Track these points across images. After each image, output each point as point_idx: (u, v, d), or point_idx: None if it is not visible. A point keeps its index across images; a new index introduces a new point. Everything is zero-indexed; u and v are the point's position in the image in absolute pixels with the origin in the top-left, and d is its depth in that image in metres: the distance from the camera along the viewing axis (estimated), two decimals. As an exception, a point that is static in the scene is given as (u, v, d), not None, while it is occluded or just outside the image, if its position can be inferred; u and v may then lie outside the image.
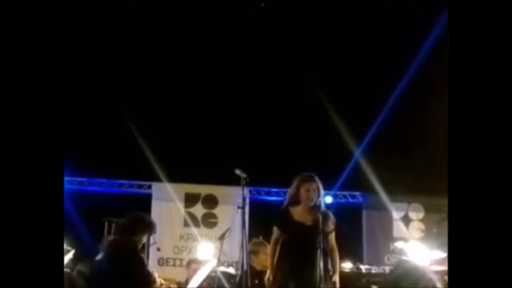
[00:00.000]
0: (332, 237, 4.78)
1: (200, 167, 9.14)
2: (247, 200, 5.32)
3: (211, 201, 9.78)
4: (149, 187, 9.74)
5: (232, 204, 8.81)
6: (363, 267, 7.09)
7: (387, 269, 7.54)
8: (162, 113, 9.42)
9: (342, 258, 5.55)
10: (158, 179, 9.40)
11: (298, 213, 4.76)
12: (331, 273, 4.66)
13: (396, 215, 9.90)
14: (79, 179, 9.59)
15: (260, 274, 5.30)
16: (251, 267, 5.47)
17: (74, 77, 7.06)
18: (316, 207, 4.68)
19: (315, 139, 9.38)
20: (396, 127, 9.09)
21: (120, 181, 9.84)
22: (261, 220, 7.20)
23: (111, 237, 6.19)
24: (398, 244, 7.72)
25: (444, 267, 5.44)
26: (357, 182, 9.65)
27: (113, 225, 7.61)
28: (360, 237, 9.82)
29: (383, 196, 9.33)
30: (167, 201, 9.59)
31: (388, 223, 9.94)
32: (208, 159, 9.12)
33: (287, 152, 9.21)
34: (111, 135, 9.06)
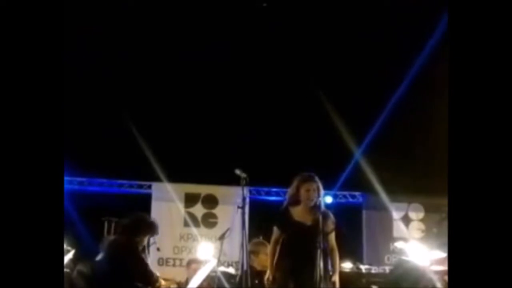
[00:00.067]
0: (332, 237, 4.78)
1: (200, 167, 9.14)
2: (247, 200, 5.33)
3: (211, 201, 9.77)
4: (149, 187, 9.73)
5: (232, 204, 8.81)
6: (363, 267, 7.08)
7: (387, 269, 7.53)
8: (162, 113, 9.42)
9: (342, 258, 5.55)
10: (158, 179, 9.39)
11: (298, 213, 4.76)
12: (331, 273, 4.67)
13: (396, 215, 9.90)
14: (79, 179, 9.59)
15: (260, 274, 5.30)
16: (251, 267, 5.47)
17: (74, 77, 7.06)
18: (316, 207, 4.68)
19: (315, 139, 9.37)
20: (396, 127, 9.09)
21: (120, 181, 9.84)
22: (261, 220, 7.20)
23: (111, 237, 6.19)
24: (398, 244, 7.72)
25: (444, 267, 5.44)
26: (357, 182, 9.65)
27: (113, 225, 7.60)
28: (360, 237, 9.81)
29: (383, 196, 9.32)
30: (167, 201, 9.58)
31: (388, 223, 9.94)
32: (208, 159, 9.12)
33: (287, 152, 9.21)
34: (111, 135, 9.05)
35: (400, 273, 5.98)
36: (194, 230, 9.56)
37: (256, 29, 8.57)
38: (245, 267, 5.03)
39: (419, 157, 8.81)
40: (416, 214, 9.99)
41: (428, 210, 9.88)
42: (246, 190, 5.20)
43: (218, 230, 8.83)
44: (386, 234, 9.87)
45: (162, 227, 5.01)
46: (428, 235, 9.06)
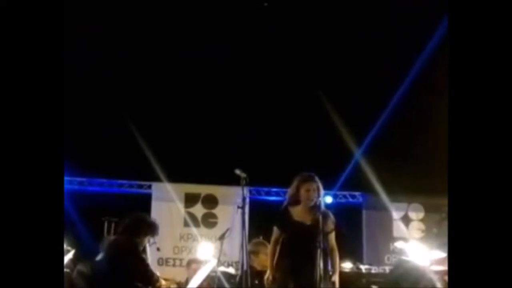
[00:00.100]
0: (332, 237, 4.78)
1: (200, 167, 9.14)
2: (247, 200, 5.33)
3: (211, 201, 9.77)
4: (149, 187, 9.73)
5: (232, 204, 8.81)
6: (363, 267, 7.09)
7: (387, 269, 7.53)
8: (162, 113, 9.42)
9: (342, 258, 5.55)
10: (158, 179, 9.39)
11: (298, 213, 4.76)
12: (330, 273, 4.66)
13: (396, 215, 9.90)
14: (79, 179, 9.59)
15: (260, 274, 5.30)
16: (251, 267, 5.47)
17: (74, 77, 7.06)
18: (316, 207, 4.68)
19: (315, 139, 9.37)
20: (396, 127, 9.09)
21: (120, 181, 9.84)
22: (261, 220, 7.20)
23: (112, 237, 6.19)
24: (398, 244, 7.72)
25: (444, 267, 5.44)
26: (357, 182, 9.65)
27: (113, 225, 7.60)
28: (360, 237, 9.81)
29: (383, 196, 9.33)
30: (167, 201, 9.58)
31: (388, 223, 9.93)
32: (208, 159, 9.12)
33: (287, 152, 9.21)
34: (111, 135, 9.05)
35: (400, 273, 5.97)
36: (194, 230, 9.56)
37: (256, 29, 8.57)
38: (245, 267, 5.03)
39: (419, 157, 8.80)
40: (416, 214, 9.99)
41: (428, 210, 9.88)
42: (246, 190, 5.20)
43: (218, 230, 8.82)
44: (386, 234, 9.87)
45: (162, 227, 5.02)
46: (428, 235, 9.06)
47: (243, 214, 5.11)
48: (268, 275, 4.77)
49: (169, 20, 8.55)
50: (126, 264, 4.62)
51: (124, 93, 9.16)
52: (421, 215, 9.99)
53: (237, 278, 5.88)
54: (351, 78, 9.08)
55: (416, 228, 9.92)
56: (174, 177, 9.42)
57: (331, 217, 4.81)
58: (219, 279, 6.03)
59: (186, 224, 9.62)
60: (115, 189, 9.84)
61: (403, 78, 8.97)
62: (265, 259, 5.15)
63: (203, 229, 9.62)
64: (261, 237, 6.11)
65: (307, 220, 4.69)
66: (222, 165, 6.22)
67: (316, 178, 4.80)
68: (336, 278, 4.68)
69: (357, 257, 8.24)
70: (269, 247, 4.90)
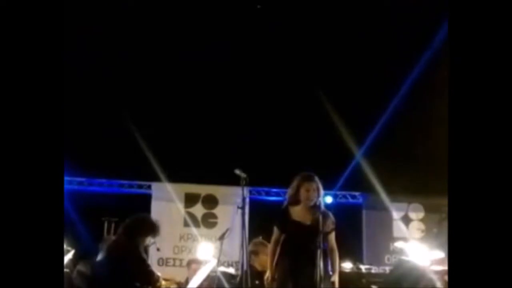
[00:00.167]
0: (332, 237, 4.78)
1: (200, 167, 9.14)
2: (247, 200, 5.33)
3: (211, 201, 9.77)
4: (149, 187, 9.73)
5: (232, 204, 8.82)
6: (363, 267, 7.09)
7: (387, 269, 7.54)
8: (162, 113, 9.42)
9: (342, 258, 5.55)
10: (158, 179, 9.39)
11: (298, 213, 4.76)
12: (330, 273, 4.66)
13: (396, 215, 9.90)
14: (79, 179, 9.59)
15: (260, 274, 5.30)
16: (252, 267, 5.47)
17: (74, 77, 7.06)
18: (316, 207, 4.68)
19: (315, 139, 9.37)
20: (396, 127, 9.10)
21: (120, 181, 9.84)
22: (261, 220, 7.20)
23: (112, 237, 6.19)
24: (398, 244, 7.73)
25: (444, 267, 5.44)
26: (357, 182, 9.66)
27: (113, 225, 7.60)
28: (360, 237, 9.81)
29: (383, 196, 9.33)
30: (167, 201, 9.58)
31: (388, 223, 9.94)
32: (208, 159, 9.12)
33: (287, 152, 9.21)
34: (111, 135, 9.05)
35: (400, 273, 5.97)
36: (194, 230, 9.56)
37: (256, 29, 8.57)
38: (245, 267, 5.03)
39: (419, 157, 8.81)
40: (416, 214, 10.00)
41: (428, 210, 9.88)
42: (246, 190, 5.20)
43: (218, 230, 8.82)
44: (386, 234, 9.87)
45: (162, 227, 5.00)
46: (428, 235, 9.06)
47: (243, 214, 5.10)
48: (268, 275, 4.77)
49: (169, 20, 8.55)
50: (127, 264, 4.61)
51: (124, 93, 9.16)
52: (421, 215, 9.99)
53: (238, 279, 5.88)
54: (351, 78, 9.08)
55: (416, 228, 9.92)
56: (174, 177, 9.42)
57: (331, 217, 4.80)
58: (219, 279, 6.03)
59: (186, 224, 9.62)
60: (115, 189, 9.84)
61: (403, 78, 8.98)
62: (266, 259, 5.14)
63: (203, 229, 9.62)
64: (260, 237, 6.10)
65: (307, 220, 4.69)
66: (222, 165, 6.22)
67: (316, 178, 4.80)
68: (336, 278, 4.68)
69: (357, 257, 8.24)
70: (269, 247, 4.89)
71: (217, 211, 9.72)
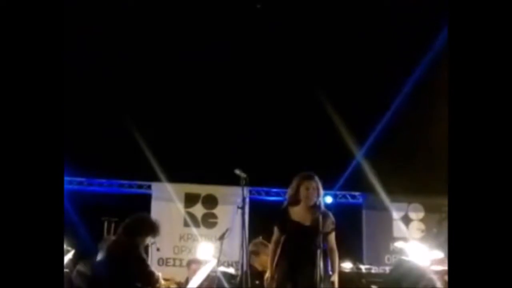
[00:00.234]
0: (332, 237, 4.78)
1: (200, 167, 9.14)
2: (247, 200, 5.33)
3: (211, 201, 9.77)
4: (149, 187, 9.73)
5: (232, 204, 8.82)
6: (363, 267, 7.09)
7: (387, 269, 7.53)
8: (162, 113, 9.42)
9: (342, 258, 5.56)
10: (158, 179, 9.39)
11: (298, 213, 4.76)
12: (330, 273, 4.66)
13: (396, 215, 9.90)
14: (79, 179, 9.59)
15: (261, 274, 5.29)
16: (252, 267, 5.48)
17: (74, 77, 7.05)
18: (316, 207, 4.68)
19: (315, 139, 9.37)
20: (396, 127, 9.09)
21: (120, 181, 9.84)
22: (261, 220, 7.20)
23: (112, 237, 6.19)
24: (398, 244, 7.73)
25: (444, 267, 5.44)
26: (357, 182, 9.66)
27: (113, 225, 7.60)
28: (360, 237, 9.81)
29: (383, 196, 9.33)
30: (167, 201, 9.58)
31: (388, 223, 9.94)
32: (208, 159, 9.12)
33: (287, 152, 9.21)
34: (111, 135, 9.05)
35: (400, 273, 5.97)
36: (194, 230, 9.56)
37: (256, 29, 8.57)
38: (245, 267, 5.03)
39: (419, 157, 8.81)
40: (416, 214, 10.00)
41: (428, 210, 9.89)
42: (246, 190, 5.20)
43: (218, 230, 8.82)
44: (386, 234, 9.87)
45: (162, 227, 5.00)
46: (428, 235, 9.06)
47: (243, 214, 5.11)
48: (268, 275, 4.77)
49: (169, 20, 8.55)
50: (127, 264, 4.61)
51: (124, 93, 9.16)
52: (421, 215, 10.00)
53: (238, 279, 5.88)
54: (351, 78, 9.08)
55: (416, 228, 9.92)
56: (174, 177, 9.42)
57: (331, 217, 4.80)
58: (219, 279, 6.03)
59: (186, 224, 9.62)
60: (115, 189, 9.84)
61: (403, 78, 8.98)
62: (266, 259, 5.14)
63: (203, 229, 9.62)
64: (261, 237, 6.10)
65: (307, 220, 4.69)
66: (222, 165, 6.22)
67: (316, 178, 4.80)
68: (335, 278, 4.68)
69: (357, 257, 8.24)
70: (270, 247, 4.90)
71: (217, 211, 9.72)
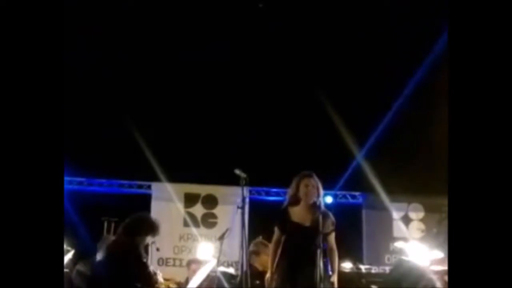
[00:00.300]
0: (332, 237, 4.78)
1: (200, 167, 9.14)
2: (247, 200, 5.33)
3: (211, 201, 9.77)
4: (149, 187, 9.73)
5: (232, 204, 8.81)
6: (363, 267, 7.09)
7: (387, 269, 7.54)
8: (162, 113, 9.42)
9: (342, 258, 5.56)
10: (158, 179, 9.39)
11: (298, 213, 4.76)
12: (330, 273, 4.66)
13: (396, 215, 9.90)
14: (79, 179, 9.59)
15: (262, 274, 5.30)
16: (253, 267, 5.48)
17: (74, 77, 7.05)
18: (316, 207, 4.68)
19: (315, 139, 9.37)
20: (396, 127, 9.09)
21: (120, 181, 9.84)
22: (261, 220, 7.19)
23: (112, 237, 6.19)
24: (398, 244, 7.73)
25: (444, 267, 5.44)
26: (357, 182, 9.65)
27: (113, 225, 7.60)
28: (360, 237, 9.81)
29: (383, 196, 9.33)
30: (167, 201, 9.58)
31: (388, 223, 9.94)
32: (208, 159, 9.12)
33: (287, 152, 9.21)
34: (111, 135, 9.05)
35: (400, 273, 5.97)
36: (194, 230, 9.56)
37: (256, 29, 8.57)
38: (244, 268, 5.02)
39: (419, 157, 8.81)
40: (416, 214, 10.00)
41: (428, 210, 9.89)
42: (246, 190, 5.20)
43: (218, 230, 8.82)
44: (386, 234, 9.87)
45: (162, 227, 5.00)
46: (428, 235, 9.06)
47: (242, 214, 5.10)
48: (269, 275, 4.77)
49: (169, 20, 8.55)
50: (126, 264, 4.61)
51: (124, 93, 9.16)
52: (421, 215, 10.00)
53: (238, 279, 5.88)
54: (351, 78, 9.08)
55: (416, 228, 9.92)
56: (174, 177, 9.42)
57: (331, 217, 4.80)
58: (219, 279, 6.03)
59: (186, 224, 9.62)
60: (115, 189, 9.84)
61: (403, 78, 8.97)
62: (267, 260, 5.14)
63: (203, 229, 9.61)
64: (260, 237, 6.11)
65: (307, 220, 4.69)
66: (222, 165, 6.22)
67: (315, 177, 4.81)
68: (335, 278, 4.68)
69: (357, 257, 8.24)
70: (270, 247, 4.90)
71: (217, 211, 9.72)
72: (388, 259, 9.55)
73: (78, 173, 9.31)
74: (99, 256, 5.54)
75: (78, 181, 9.61)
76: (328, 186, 8.50)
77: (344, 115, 8.98)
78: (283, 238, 4.75)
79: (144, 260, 4.75)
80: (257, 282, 5.32)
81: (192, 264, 6.76)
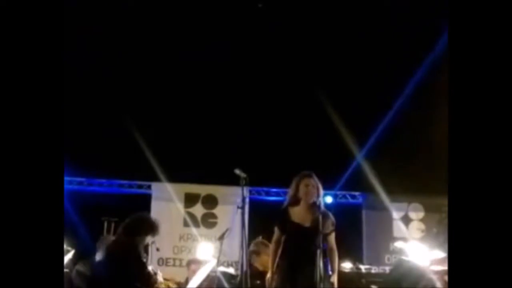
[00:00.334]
0: (332, 237, 4.78)
1: (200, 167, 9.14)
2: (247, 200, 5.33)
3: (211, 201, 9.77)
4: (149, 187, 9.74)
5: (232, 204, 8.81)
6: (363, 267, 7.08)
7: (387, 269, 7.53)
8: (162, 113, 9.42)
9: (342, 258, 5.56)
10: (158, 179, 9.39)
11: (298, 213, 4.76)
12: (330, 273, 4.66)
13: (396, 215, 9.90)
14: (79, 179, 9.59)
15: (262, 274, 5.29)
16: (253, 267, 5.48)
17: (74, 77, 7.05)
18: (316, 207, 4.68)
19: (315, 139, 9.37)
20: (396, 127, 9.09)
21: (120, 181, 9.84)
22: (261, 220, 7.20)
23: (111, 237, 6.19)
24: (398, 244, 7.73)
25: (444, 267, 5.44)
26: (357, 182, 9.65)
27: (113, 225, 7.60)
28: (360, 237, 9.81)
29: (383, 196, 9.33)
30: (167, 201, 9.58)
31: (388, 223, 9.94)
32: (208, 159, 9.12)
33: (287, 152, 9.21)
34: (111, 135, 9.05)
35: (400, 273, 5.97)
36: (194, 230, 9.56)
37: (256, 29, 8.57)
38: (244, 267, 5.02)
39: (419, 157, 8.81)
40: (416, 214, 10.00)
41: (428, 210, 9.88)
42: (246, 190, 5.20)
43: (218, 230, 8.82)
44: (386, 234, 9.87)
45: (162, 227, 5.00)
46: (428, 235, 9.06)
47: (242, 214, 5.10)
48: (269, 275, 4.78)
49: (169, 20, 8.55)
50: (126, 264, 4.61)
51: (124, 93, 9.16)
52: (421, 215, 9.99)
53: (238, 279, 5.87)
54: (351, 78, 9.08)
55: (416, 228, 9.92)
56: (174, 177, 9.42)
57: (331, 217, 4.80)
58: (219, 279, 6.03)
59: (186, 224, 9.62)
60: (115, 189, 9.84)
61: (404, 78, 8.97)
62: (267, 260, 5.14)
63: (203, 229, 9.62)
64: (260, 237, 6.10)
65: (307, 220, 4.69)
66: (222, 165, 6.22)
67: (315, 177, 4.81)
68: (335, 279, 4.68)
69: (357, 257, 8.24)
70: (271, 247, 4.90)
71: (217, 211, 9.72)
72: (388, 259, 9.54)
73: (78, 173, 9.31)
74: (99, 256, 5.55)
75: (78, 181, 9.61)
76: (328, 186, 8.50)
77: (344, 115, 8.98)
78: (283, 238, 4.75)
79: (144, 260, 4.76)
80: (258, 282, 5.32)
81: (192, 264, 6.76)
